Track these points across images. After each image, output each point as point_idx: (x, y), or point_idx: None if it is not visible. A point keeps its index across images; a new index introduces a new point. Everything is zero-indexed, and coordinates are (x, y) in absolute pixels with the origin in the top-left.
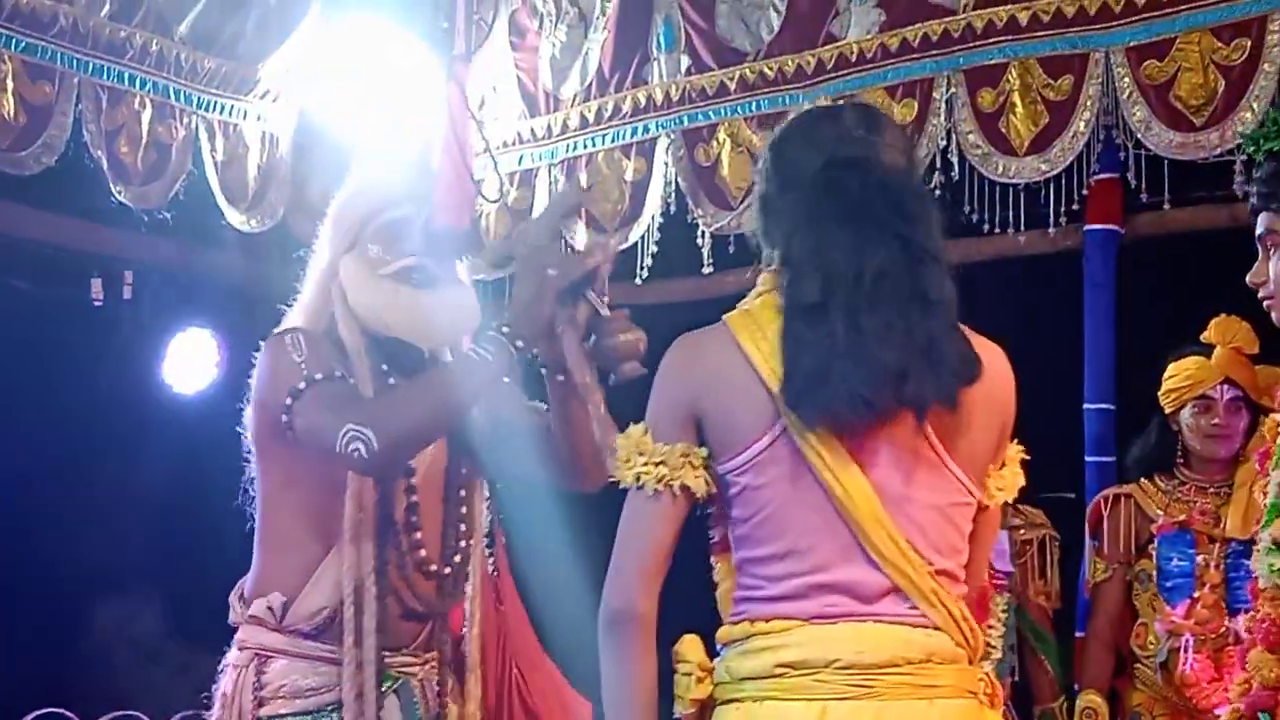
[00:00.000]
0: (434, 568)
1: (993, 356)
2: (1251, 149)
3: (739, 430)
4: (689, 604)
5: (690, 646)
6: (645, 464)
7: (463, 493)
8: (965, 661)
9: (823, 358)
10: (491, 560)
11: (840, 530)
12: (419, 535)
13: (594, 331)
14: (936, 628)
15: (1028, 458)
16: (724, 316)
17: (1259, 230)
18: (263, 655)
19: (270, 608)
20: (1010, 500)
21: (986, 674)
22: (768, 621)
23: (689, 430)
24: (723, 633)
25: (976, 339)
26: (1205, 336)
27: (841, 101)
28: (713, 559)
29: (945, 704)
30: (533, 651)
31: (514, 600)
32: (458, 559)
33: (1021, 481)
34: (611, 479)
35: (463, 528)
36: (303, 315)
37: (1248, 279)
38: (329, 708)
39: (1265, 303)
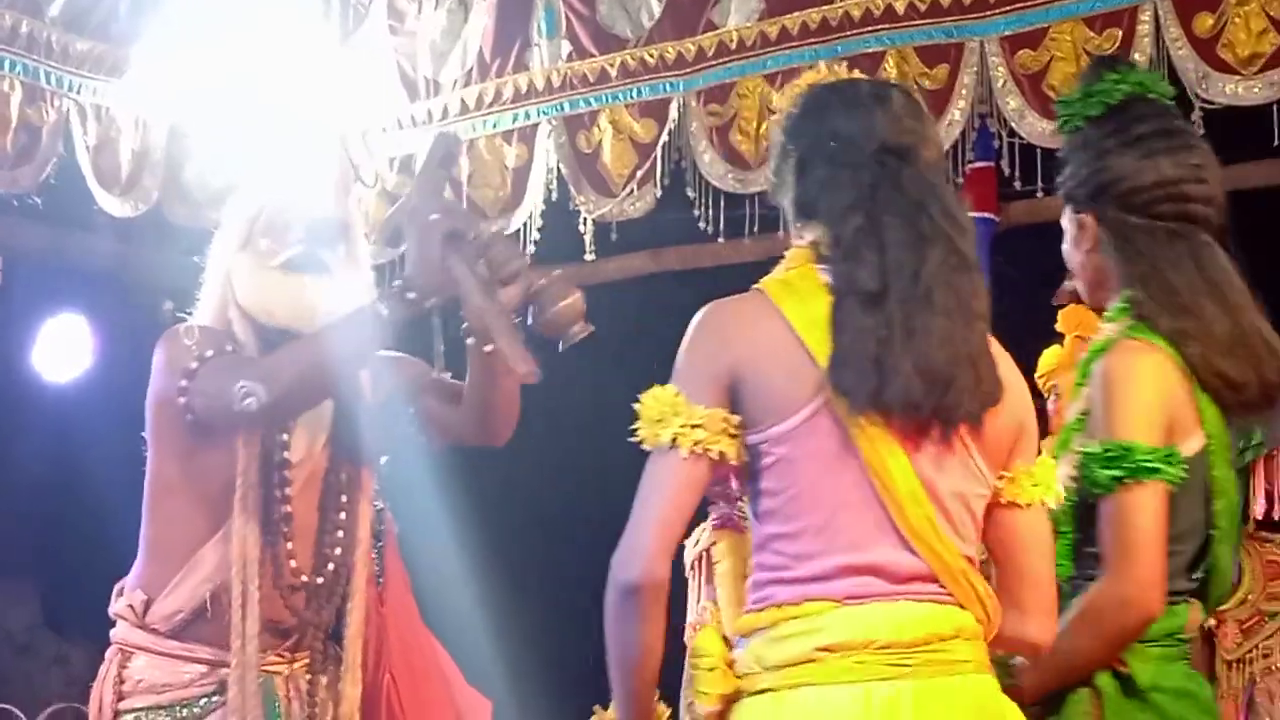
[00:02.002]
0: (305, 579)
1: (1007, 365)
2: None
3: (780, 400)
4: None
5: (710, 640)
6: (683, 425)
7: (344, 498)
8: (983, 638)
9: (878, 351)
10: (376, 561)
11: (875, 509)
12: (290, 545)
13: (534, 302)
14: (961, 605)
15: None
16: (759, 284)
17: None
18: (126, 650)
19: (132, 606)
20: (1054, 505)
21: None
22: (798, 605)
23: (723, 396)
24: (744, 622)
25: (994, 348)
26: (1057, 327)
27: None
28: (712, 535)
29: (970, 679)
30: (419, 656)
31: (400, 601)
32: (331, 567)
33: (1059, 485)
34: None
35: (340, 535)
36: (203, 320)
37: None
38: (184, 703)
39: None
